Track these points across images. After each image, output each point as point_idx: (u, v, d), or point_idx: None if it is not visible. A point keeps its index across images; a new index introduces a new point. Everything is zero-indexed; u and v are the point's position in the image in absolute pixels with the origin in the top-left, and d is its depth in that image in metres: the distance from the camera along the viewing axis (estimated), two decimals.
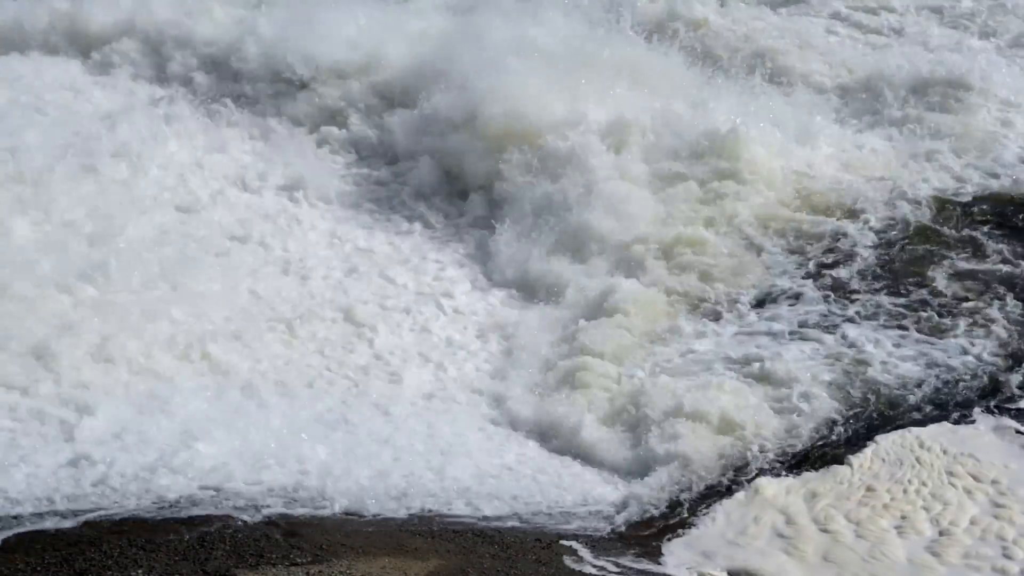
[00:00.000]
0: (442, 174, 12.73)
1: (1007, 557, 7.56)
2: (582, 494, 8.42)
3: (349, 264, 11.39)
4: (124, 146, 12.45)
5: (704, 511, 8.16)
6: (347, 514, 7.84)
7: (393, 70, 14.06)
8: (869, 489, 8.18)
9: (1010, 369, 9.44)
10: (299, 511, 7.75)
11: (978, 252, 11.01)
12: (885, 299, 10.43)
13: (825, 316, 10.27)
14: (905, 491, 8.14)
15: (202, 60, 14.71)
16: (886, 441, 8.66)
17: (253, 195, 12.30)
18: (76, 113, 13.54)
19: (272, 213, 12.08)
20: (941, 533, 7.78)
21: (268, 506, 7.72)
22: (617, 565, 7.57)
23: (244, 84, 14.30)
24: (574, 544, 7.79)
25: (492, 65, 13.20)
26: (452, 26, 14.83)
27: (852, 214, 11.70)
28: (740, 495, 8.28)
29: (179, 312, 9.94)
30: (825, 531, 7.88)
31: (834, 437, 8.86)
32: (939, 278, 10.64)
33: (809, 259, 11.12)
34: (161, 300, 10.13)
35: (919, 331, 9.94)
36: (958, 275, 10.67)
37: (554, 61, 13.49)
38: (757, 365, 9.58)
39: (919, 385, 9.26)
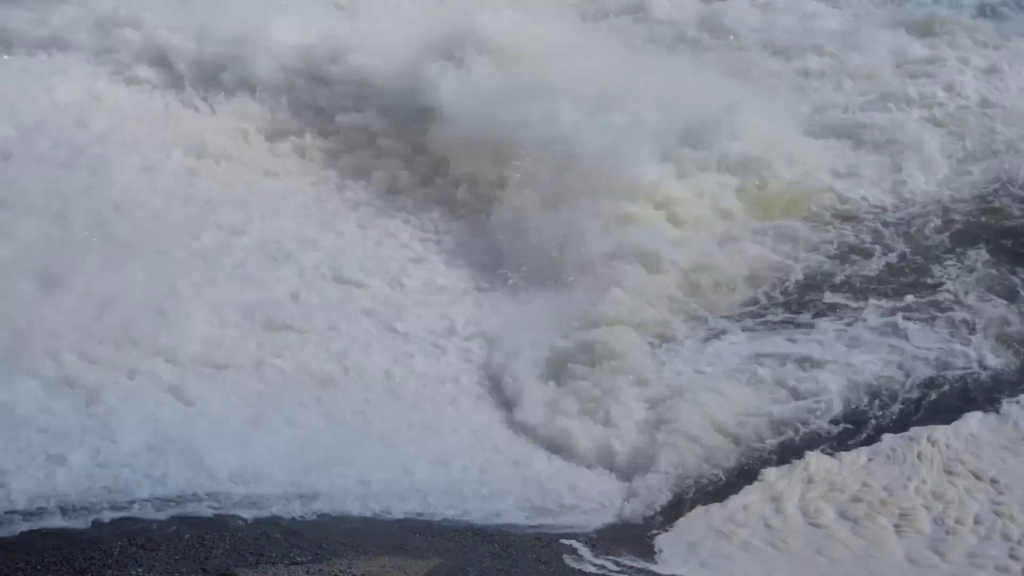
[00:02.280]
0: None
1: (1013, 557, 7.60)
2: (582, 492, 8.41)
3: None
4: None
5: (701, 505, 8.21)
6: (347, 513, 7.81)
7: None
8: (865, 485, 8.22)
9: (1011, 367, 9.50)
10: (299, 510, 7.71)
11: (979, 252, 11.06)
12: (886, 298, 10.48)
13: (826, 315, 10.31)
14: (904, 488, 8.17)
15: None
16: (886, 438, 8.71)
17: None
18: None
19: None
20: (947, 533, 7.81)
21: (268, 505, 7.68)
22: (617, 564, 7.57)
23: None
24: (574, 543, 7.79)
25: None
26: None
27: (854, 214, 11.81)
28: (736, 488, 8.34)
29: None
30: (815, 525, 7.92)
31: (833, 433, 8.88)
32: (939, 276, 10.69)
33: (812, 258, 11.15)
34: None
35: (919, 329, 9.97)
36: (959, 274, 10.73)
37: None
38: (758, 363, 9.61)
39: (920, 383, 9.30)
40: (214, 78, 14.16)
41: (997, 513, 7.90)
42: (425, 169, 12.97)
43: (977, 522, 7.86)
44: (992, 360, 9.54)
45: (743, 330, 10.18)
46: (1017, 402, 9.05)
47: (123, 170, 12.22)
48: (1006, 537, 7.71)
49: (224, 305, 10.20)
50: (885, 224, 11.63)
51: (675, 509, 8.28)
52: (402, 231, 12.07)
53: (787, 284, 10.80)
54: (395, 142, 13.29)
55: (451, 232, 12.11)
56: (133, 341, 9.44)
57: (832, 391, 9.24)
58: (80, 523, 7.28)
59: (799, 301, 10.58)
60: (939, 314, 10.18)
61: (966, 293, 10.45)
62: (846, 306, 10.40)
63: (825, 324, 10.15)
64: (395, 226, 12.15)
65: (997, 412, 8.94)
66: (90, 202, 11.56)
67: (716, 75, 14.16)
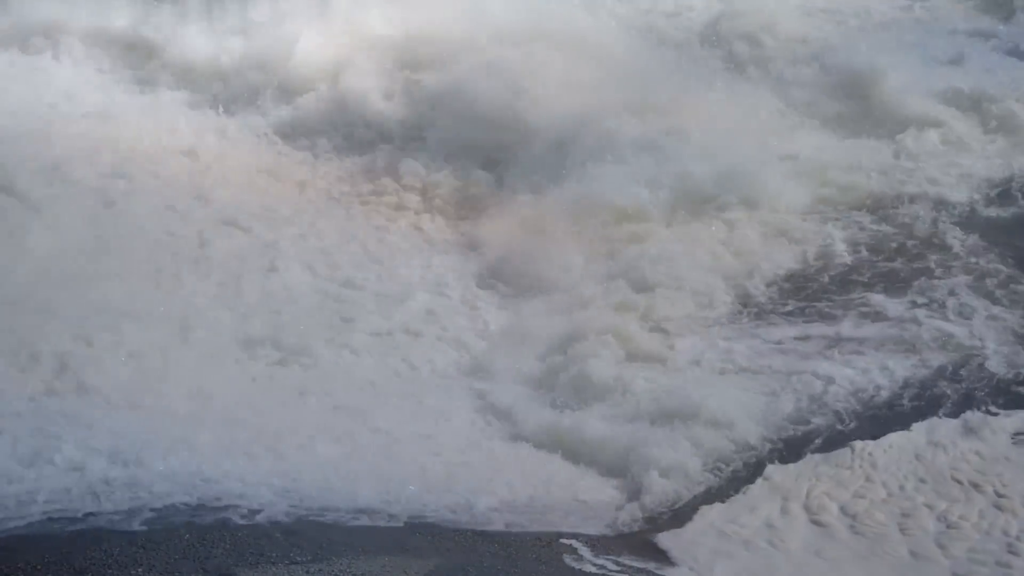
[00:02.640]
0: None
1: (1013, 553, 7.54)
2: (582, 491, 8.40)
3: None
4: None
5: (704, 504, 8.17)
6: (347, 513, 7.82)
7: None
8: (868, 481, 8.18)
9: (1013, 366, 9.44)
10: (299, 510, 7.73)
11: (1005, 252, 11.05)
12: (888, 297, 10.46)
13: (828, 314, 10.30)
14: (903, 488, 8.12)
15: None
16: (891, 435, 8.66)
17: None
18: None
19: None
20: (948, 527, 7.76)
21: (268, 505, 7.71)
22: (617, 563, 7.55)
23: None
24: (574, 543, 7.77)
25: None
26: None
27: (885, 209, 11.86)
28: (741, 487, 8.32)
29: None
30: (820, 524, 7.87)
31: (841, 431, 8.86)
32: (958, 275, 10.69)
33: (816, 259, 11.15)
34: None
35: (932, 327, 9.96)
36: (979, 272, 10.73)
37: None
38: (766, 359, 9.63)
39: (927, 381, 9.28)
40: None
41: (999, 508, 7.85)
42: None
43: (980, 518, 7.81)
44: (999, 360, 9.48)
45: (754, 325, 10.20)
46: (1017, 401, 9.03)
47: None
48: (1006, 533, 7.66)
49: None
50: (918, 221, 11.65)
51: (678, 508, 8.24)
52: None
53: (803, 279, 10.84)
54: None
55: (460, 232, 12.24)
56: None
57: (841, 388, 9.23)
58: (80, 523, 7.33)
59: (814, 296, 10.61)
60: (952, 313, 10.16)
61: (985, 292, 10.43)
62: (862, 302, 10.40)
63: (837, 319, 10.17)
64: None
65: (1000, 411, 8.88)
66: None
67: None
